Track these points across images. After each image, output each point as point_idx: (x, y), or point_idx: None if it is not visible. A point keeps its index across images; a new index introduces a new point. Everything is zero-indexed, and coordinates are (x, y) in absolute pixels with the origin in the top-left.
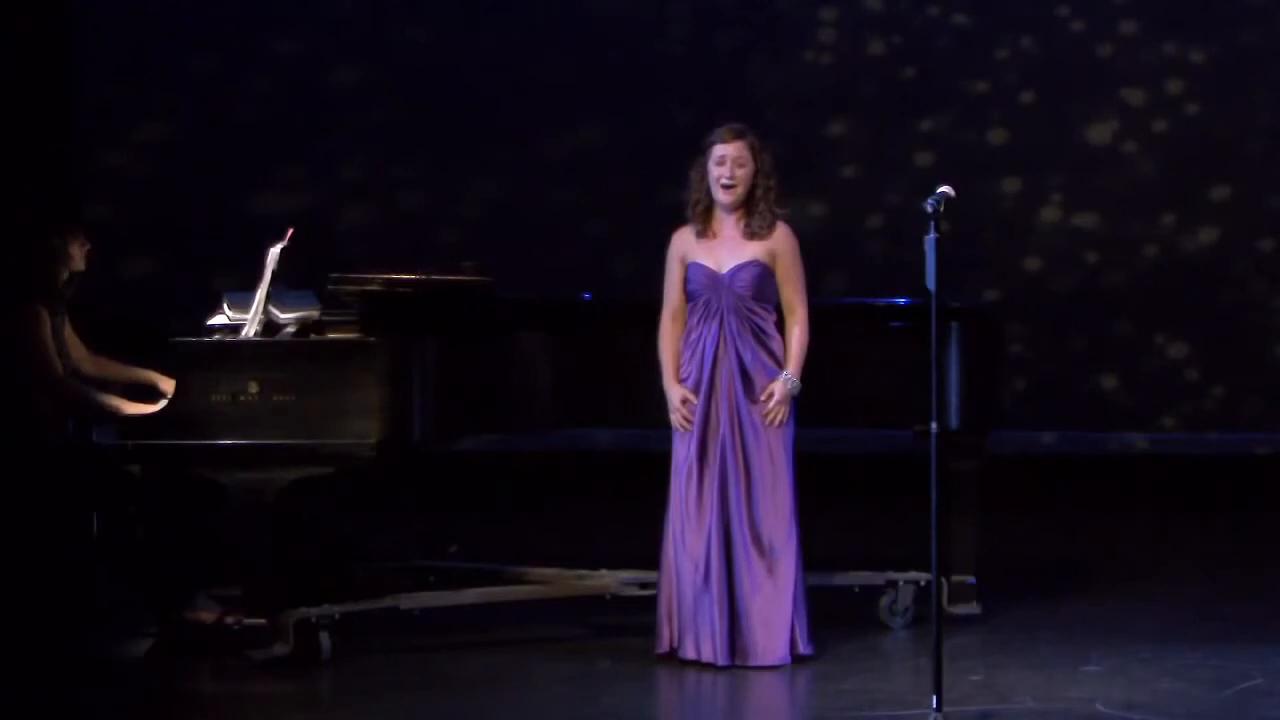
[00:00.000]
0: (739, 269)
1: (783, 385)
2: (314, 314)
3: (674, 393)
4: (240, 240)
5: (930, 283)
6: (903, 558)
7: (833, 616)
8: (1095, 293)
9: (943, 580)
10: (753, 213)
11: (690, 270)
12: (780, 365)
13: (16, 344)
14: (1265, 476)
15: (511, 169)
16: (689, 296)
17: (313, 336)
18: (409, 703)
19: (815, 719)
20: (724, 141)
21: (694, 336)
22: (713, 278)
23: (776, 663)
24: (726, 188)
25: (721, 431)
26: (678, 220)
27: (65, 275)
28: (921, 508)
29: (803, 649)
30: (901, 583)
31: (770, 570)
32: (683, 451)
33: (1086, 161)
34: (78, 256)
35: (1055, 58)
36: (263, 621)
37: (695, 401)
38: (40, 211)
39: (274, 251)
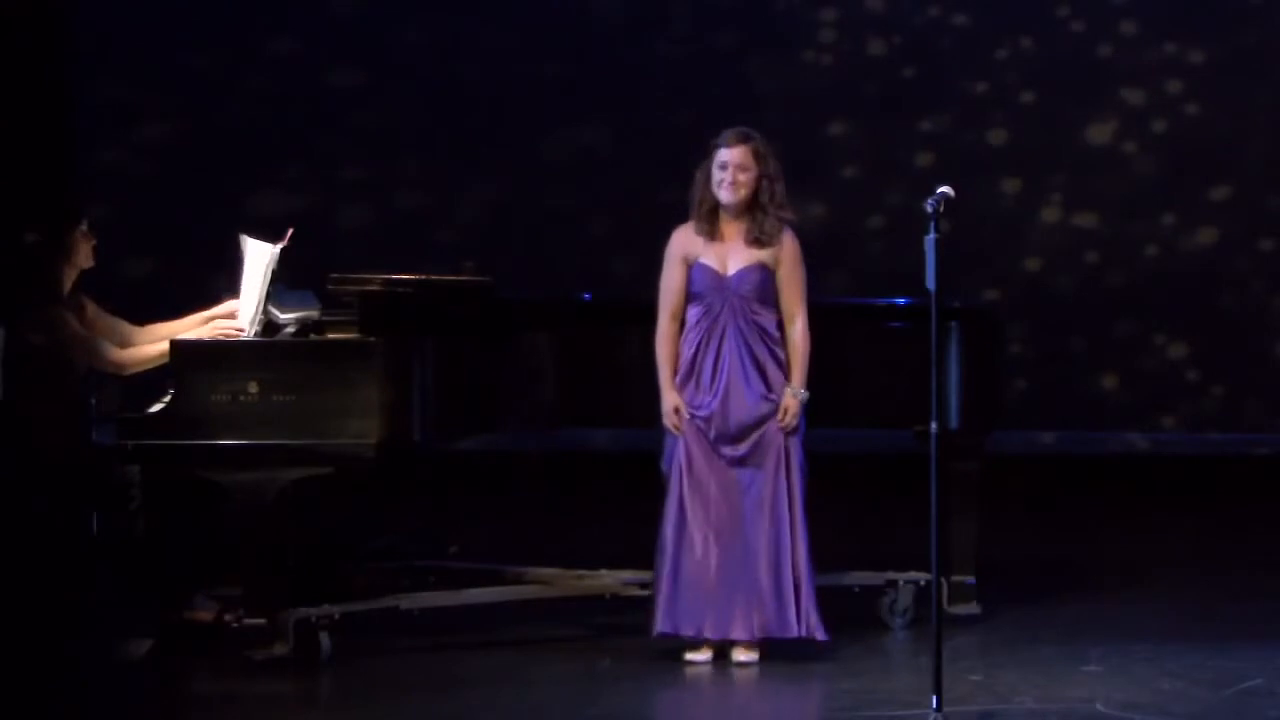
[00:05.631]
0: (744, 272)
1: (795, 401)
2: (314, 314)
3: (668, 399)
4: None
5: (930, 283)
6: (903, 558)
7: (833, 616)
8: (1095, 293)
9: (943, 580)
10: (758, 218)
11: (695, 271)
12: (785, 362)
13: (50, 351)
14: (1265, 477)
15: (511, 169)
16: (692, 297)
17: (313, 336)
18: (409, 703)
19: (815, 719)
20: (728, 146)
21: (694, 337)
22: (718, 280)
23: (791, 635)
24: (728, 191)
25: (730, 427)
26: (678, 220)
27: (75, 275)
28: (921, 508)
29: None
30: (901, 583)
31: (782, 548)
32: (682, 448)
33: (1086, 161)
34: (85, 253)
35: (1055, 58)
36: (263, 621)
37: (686, 415)
38: (40, 212)
39: (274, 251)
